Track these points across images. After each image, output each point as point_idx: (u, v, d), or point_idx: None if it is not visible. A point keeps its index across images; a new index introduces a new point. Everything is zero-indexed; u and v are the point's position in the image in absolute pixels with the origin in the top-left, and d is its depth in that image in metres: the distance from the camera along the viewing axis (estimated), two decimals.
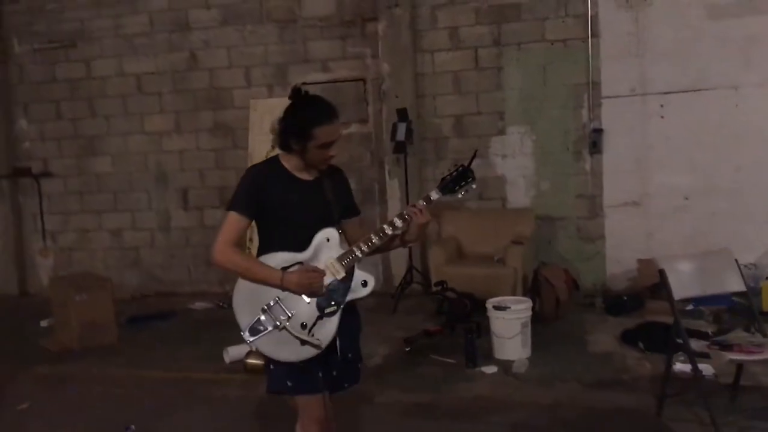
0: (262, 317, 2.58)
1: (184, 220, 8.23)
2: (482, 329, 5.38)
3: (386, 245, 2.76)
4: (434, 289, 6.34)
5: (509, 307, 5.14)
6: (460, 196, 2.71)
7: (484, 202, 7.29)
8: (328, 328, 2.61)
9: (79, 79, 8.35)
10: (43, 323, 6.83)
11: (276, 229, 2.68)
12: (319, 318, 2.60)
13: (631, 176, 6.91)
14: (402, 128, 6.98)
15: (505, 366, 4.93)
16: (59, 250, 8.59)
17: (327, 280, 2.60)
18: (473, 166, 2.72)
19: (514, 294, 5.90)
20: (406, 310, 6.64)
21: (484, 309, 5.30)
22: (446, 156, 7.33)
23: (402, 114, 7.04)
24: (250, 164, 7.74)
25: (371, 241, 2.63)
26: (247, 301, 2.62)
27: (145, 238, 8.36)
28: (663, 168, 6.82)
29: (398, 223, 2.65)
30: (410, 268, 7.02)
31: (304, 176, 2.71)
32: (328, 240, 2.65)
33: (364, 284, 2.65)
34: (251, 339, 2.58)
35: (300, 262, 2.62)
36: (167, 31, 8.04)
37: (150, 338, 6.34)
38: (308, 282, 2.56)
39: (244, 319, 2.61)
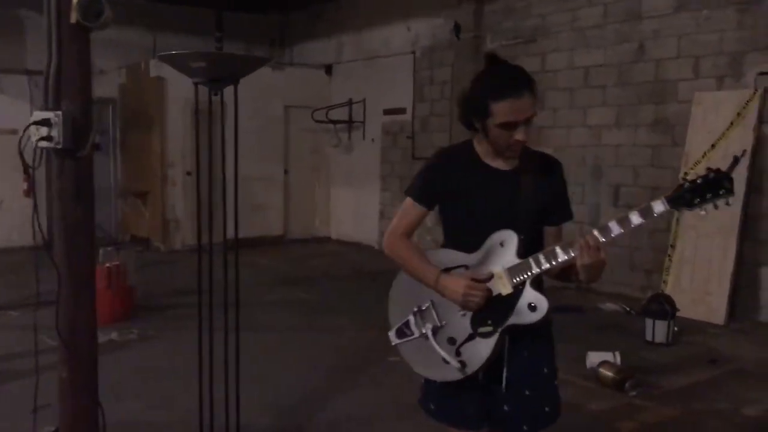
0: (411, 320, 2.24)
1: (613, 217, 7.90)
2: None
3: (564, 275, 2.19)
4: None
5: None
6: (702, 212, 1.99)
7: None
8: (480, 351, 2.12)
9: (534, 73, 8.57)
10: None
11: (450, 221, 2.29)
12: (471, 337, 2.14)
13: None
14: None
15: None
16: None
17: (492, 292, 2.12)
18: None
19: None
20: None
21: None
22: None
23: None
24: (684, 164, 7.03)
25: (550, 259, 2.09)
26: (402, 298, 2.30)
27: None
28: None
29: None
30: None
31: (498, 164, 2.21)
32: (501, 245, 2.13)
33: (532, 308, 2.09)
34: (396, 341, 2.29)
35: (465, 266, 2.18)
36: (618, 22, 7.79)
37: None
38: (464, 291, 2.10)
39: (394, 318, 2.31)
